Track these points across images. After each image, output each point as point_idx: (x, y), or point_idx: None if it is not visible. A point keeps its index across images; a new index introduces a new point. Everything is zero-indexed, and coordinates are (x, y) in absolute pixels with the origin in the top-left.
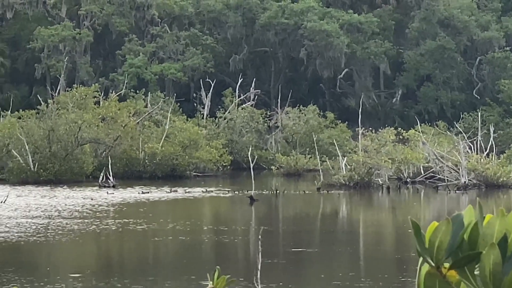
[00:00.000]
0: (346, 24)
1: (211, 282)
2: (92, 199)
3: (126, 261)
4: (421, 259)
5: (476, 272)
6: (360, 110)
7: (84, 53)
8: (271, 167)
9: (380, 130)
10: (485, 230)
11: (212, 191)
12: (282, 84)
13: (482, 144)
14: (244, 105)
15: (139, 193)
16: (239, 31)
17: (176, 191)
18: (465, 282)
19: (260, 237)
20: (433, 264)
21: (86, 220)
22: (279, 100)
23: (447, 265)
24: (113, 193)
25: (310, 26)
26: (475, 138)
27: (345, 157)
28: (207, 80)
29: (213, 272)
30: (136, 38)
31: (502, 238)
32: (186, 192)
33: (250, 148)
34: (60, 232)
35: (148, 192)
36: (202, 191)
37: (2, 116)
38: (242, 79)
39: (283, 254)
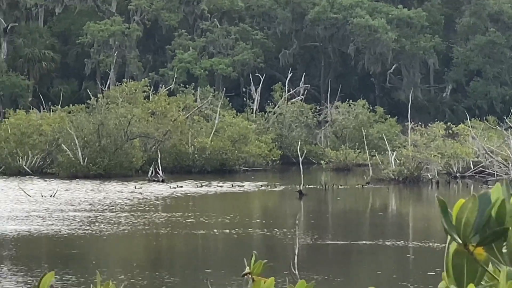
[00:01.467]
0: (396, 19)
1: (248, 267)
2: (141, 193)
3: (174, 254)
4: (449, 238)
5: (504, 250)
6: (409, 105)
7: (133, 48)
8: (321, 161)
9: (429, 124)
10: None
11: (240, 185)
12: (331, 78)
13: None
14: (293, 100)
15: (170, 187)
16: (288, 26)
17: (201, 186)
18: (492, 259)
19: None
20: (460, 242)
21: (134, 214)
22: (328, 94)
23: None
24: (141, 188)
25: (357, 22)
26: None
27: (395, 152)
28: (257, 75)
29: (250, 257)
30: (185, 33)
31: None
32: (218, 187)
33: (300, 143)
34: (108, 225)
35: (181, 187)
36: (232, 185)
37: (52, 111)
38: (291, 73)
39: (331, 247)
